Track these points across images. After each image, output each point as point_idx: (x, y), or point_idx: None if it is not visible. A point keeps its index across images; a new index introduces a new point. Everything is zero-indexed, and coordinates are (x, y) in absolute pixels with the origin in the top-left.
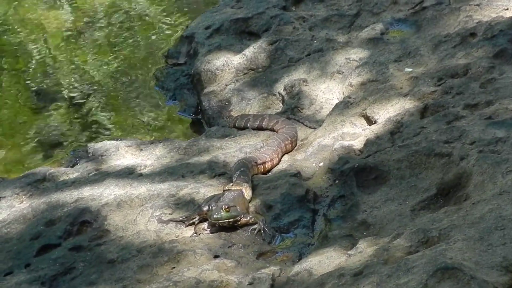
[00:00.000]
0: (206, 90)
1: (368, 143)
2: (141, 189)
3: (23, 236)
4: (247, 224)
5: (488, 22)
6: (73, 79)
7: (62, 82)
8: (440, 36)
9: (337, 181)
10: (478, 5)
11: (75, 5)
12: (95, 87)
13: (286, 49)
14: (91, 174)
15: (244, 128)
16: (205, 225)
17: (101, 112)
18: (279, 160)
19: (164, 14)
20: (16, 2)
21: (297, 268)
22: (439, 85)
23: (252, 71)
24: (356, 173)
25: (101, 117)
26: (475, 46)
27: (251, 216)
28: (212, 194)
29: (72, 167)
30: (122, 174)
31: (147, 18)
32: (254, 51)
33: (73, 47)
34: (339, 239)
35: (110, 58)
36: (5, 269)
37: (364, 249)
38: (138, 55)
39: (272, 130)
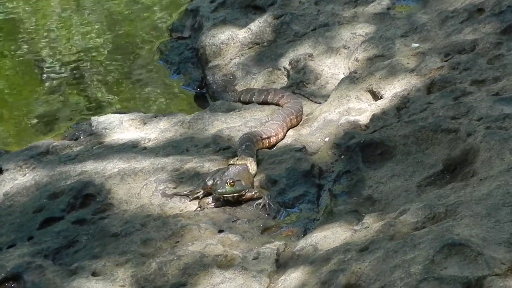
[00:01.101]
0: (210, 64)
1: (374, 118)
2: (145, 162)
3: (26, 209)
4: (251, 199)
5: None
6: (76, 54)
7: (64, 56)
8: (447, 12)
9: (342, 156)
10: None
11: None
12: (98, 62)
13: (292, 24)
14: (94, 148)
15: (249, 102)
16: (209, 199)
17: (105, 86)
18: (284, 135)
19: None
20: None
21: (302, 243)
22: (446, 61)
23: (257, 46)
24: (362, 148)
25: (105, 91)
26: (483, 21)
27: (256, 191)
28: (217, 168)
29: (75, 140)
30: (125, 147)
31: None
32: (260, 25)
33: (75, 22)
34: (345, 215)
35: (113, 32)
36: (8, 242)
37: (370, 225)
38: (142, 29)
39: (277, 104)
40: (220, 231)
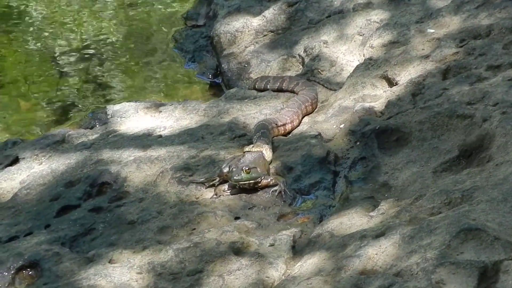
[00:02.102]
0: (225, 52)
1: (389, 104)
2: (161, 150)
3: (43, 197)
4: (267, 186)
5: None
6: (90, 43)
7: (79, 45)
8: None
9: (358, 143)
10: None
11: None
12: (113, 51)
13: (306, 11)
14: (110, 136)
15: (264, 90)
16: (225, 186)
17: (120, 74)
18: (300, 122)
19: None
20: None
21: (318, 229)
22: (461, 46)
23: (272, 33)
24: (377, 134)
25: (120, 80)
26: (498, 6)
27: (271, 178)
28: (233, 155)
29: (91, 128)
30: (141, 135)
31: None
32: (274, 12)
33: (89, 11)
34: (360, 201)
35: (128, 20)
36: (25, 230)
37: (386, 211)
38: (157, 17)
39: (292, 91)
40: (236, 218)
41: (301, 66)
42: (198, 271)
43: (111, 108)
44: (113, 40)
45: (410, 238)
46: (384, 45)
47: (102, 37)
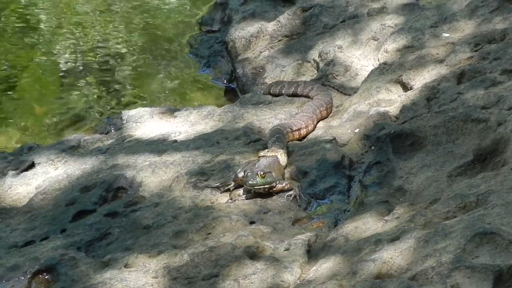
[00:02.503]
0: (240, 57)
1: (404, 109)
2: (176, 155)
3: (58, 202)
4: (282, 190)
5: None
6: (106, 48)
7: (94, 51)
8: (477, 1)
9: (372, 147)
10: None
11: None
12: (128, 55)
13: (321, 16)
14: (125, 141)
15: (279, 94)
16: (240, 191)
17: (135, 80)
18: (314, 127)
19: None
20: None
21: (333, 234)
22: (476, 51)
23: (287, 38)
24: (392, 139)
25: (135, 85)
26: None
27: (286, 182)
28: (248, 160)
29: (106, 134)
30: (156, 140)
31: None
32: (289, 17)
33: (105, 15)
34: (375, 205)
35: (143, 25)
36: (41, 234)
37: (401, 215)
38: (172, 23)
39: (307, 96)
40: (251, 222)
41: (315, 71)
42: (214, 275)
43: (126, 113)
44: (128, 45)
45: (425, 242)
46: (398, 50)
47: (117, 43)
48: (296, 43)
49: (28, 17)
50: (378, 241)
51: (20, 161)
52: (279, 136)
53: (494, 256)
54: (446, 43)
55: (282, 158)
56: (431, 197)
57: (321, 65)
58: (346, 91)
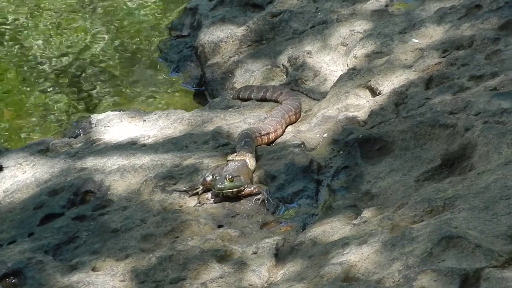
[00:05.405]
0: (209, 62)
1: (372, 114)
2: (145, 159)
3: (26, 205)
4: (250, 194)
5: None
6: (74, 52)
7: (62, 54)
8: (445, 8)
9: (341, 152)
10: None
11: None
12: (97, 60)
13: (290, 21)
14: (94, 145)
15: (248, 99)
16: (209, 195)
17: (104, 83)
18: (283, 131)
19: None
20: None
21: (301, 237)
22: (444, 57)
23: (256, 43)
24: (360, 144)
25: (104, 89)
26: (481, 17)
27: (255, 186)
28: (216, 164)
29: (75, 137)
30: (125, 144)
31: None
32: (258, 23)
33: (73, 19)
34: (343, 209)
35: (112, 30)
36: (9, 238)
37: (369, 219)
38: (141, 27)
39: (276, 101)
40: (220, 226)
41: (285, 76)
42: (181, 278)
43: (95, 117)
44: (98, 49)
45: (392, 246)
46: (367, 55)
47: (86, 46)
48: (265, 48)
49: None
50: (345, 244)
51: None
52: (248, 140)
53: (460, 260)
54: (415, 49)
55: (251, 162)
56: (398, 201)
57: (290, 70)
58: (315, 96)
